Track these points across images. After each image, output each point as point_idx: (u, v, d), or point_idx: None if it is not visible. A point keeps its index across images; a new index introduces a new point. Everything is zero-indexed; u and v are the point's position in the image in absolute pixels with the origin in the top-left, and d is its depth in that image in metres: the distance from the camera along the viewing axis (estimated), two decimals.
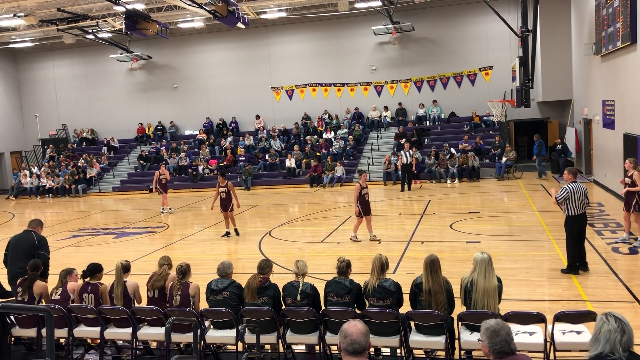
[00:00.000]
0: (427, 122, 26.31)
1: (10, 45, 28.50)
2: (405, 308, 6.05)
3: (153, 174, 26.56)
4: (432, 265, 5.84)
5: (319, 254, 11.87)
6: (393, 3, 23.55)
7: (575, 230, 8.88)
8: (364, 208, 12.21)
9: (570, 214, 8.81)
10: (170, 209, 19.42)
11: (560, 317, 5.47)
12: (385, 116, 26.85)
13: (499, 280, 5.79)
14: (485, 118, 25.33)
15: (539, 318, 5.48)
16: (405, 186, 21.02)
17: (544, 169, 21.65)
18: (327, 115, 27.58)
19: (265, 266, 6.39)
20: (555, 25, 22.24)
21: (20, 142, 31.66)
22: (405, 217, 15.83)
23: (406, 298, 6.11)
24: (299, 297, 5.99)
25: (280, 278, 7.06)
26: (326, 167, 23.95)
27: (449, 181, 22.34)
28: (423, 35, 26.26)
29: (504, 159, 22.26)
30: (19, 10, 21.31)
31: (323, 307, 6.11)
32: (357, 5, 23.76)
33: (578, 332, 5.53)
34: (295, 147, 25.71)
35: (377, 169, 23.87)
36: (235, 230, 14.38)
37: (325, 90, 27.85)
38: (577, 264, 9.01)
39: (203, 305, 6.57)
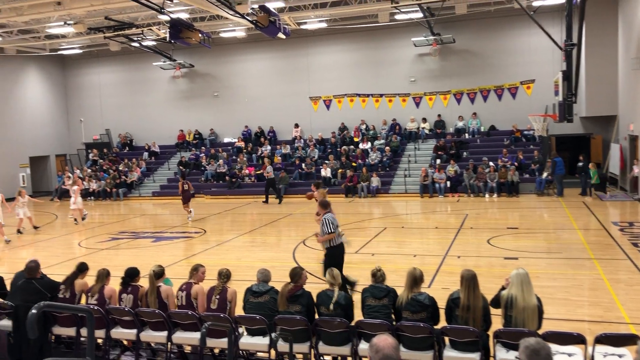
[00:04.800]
0: (467, 134, 26.00)
1: (60, 52, 29.49)
2: (440, 323, 5.97)
3: (193, 180, 27.17)
4: (470, 280, 5.77)
5: (353, 265, 11.81)
6: (434, 15, 23.43)
7: (341, 260, 8.71)
8: None
9: (331, 245, 8.71)
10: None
11: (602, 339, 5.30)
12: (423, 128, 26.64)
13: (539, 300, 5.65)
14: (526, 132, 24.86)
15: (578, 339, 5.33)
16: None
17: (562, 188, 21.07)
18: (364, 126, 27.55)
19: (297, 274, 6.41)
20: (601, 39, 21.73)
21: (65, 145, 32.65)
22: (441, 230, 15.64)
23: (441, 313, 6.04)
24: (332, 307, 5.99)
25: (313, 287, 7.06)
26: (362, 178, 23.90)
27: (487, 195, 21.99)
28: (464, 47, 26.03)
29: (545, 174, 21.80)
30: (69, 19, 22.04)
31: (360, 316, 6.11)
32: (398, 17, 23.72)
33: (620, 356, 5.35)
34: (331, 157, 25.75)
35: (413, 181, 23.69)
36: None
37: (363, 101, 27.84)
38: None
39: (238, 311, 6.63)
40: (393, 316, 6.07)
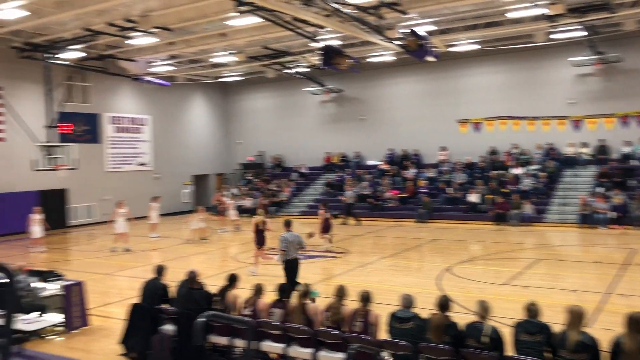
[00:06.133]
0: (635, 161, 23.59)
1: (222, 79, 32.10)
2: None
3: (337, 201, 27.83)
4: (638, 323, 5.21)
5: (502, 297, 11.23)
6: (598, 33, 21.78)
7: (294, 272, 10.65)
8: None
9: (287, 259, 10.71)
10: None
11: None
12: (582, 153, 24.70)
13: None
14: None
15: None
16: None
17: None
18: (516, 150, 26.24)
19: (447, 304, 6.29)
20: None
21: (224, 165, 35.30)
22: (603, 265, 14.30)
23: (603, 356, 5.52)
24: (482, 339, 5.74)
25: (458, 318, 6.82)
26: (513, 205, 22.71)
27: None
28: (633, 66, 23.77)
29: None
30: (232, 49, 24.00)
31: (509, 353, 5.79)
32: (555, 36, 22.39)
33: None
34: (479, 182, 24.83)
35: (571, 210, 22.01)
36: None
37: (516, 124, 26.50)
38: None
39: (380, 335, 6.61)
40: (547, 354, 5.67)
